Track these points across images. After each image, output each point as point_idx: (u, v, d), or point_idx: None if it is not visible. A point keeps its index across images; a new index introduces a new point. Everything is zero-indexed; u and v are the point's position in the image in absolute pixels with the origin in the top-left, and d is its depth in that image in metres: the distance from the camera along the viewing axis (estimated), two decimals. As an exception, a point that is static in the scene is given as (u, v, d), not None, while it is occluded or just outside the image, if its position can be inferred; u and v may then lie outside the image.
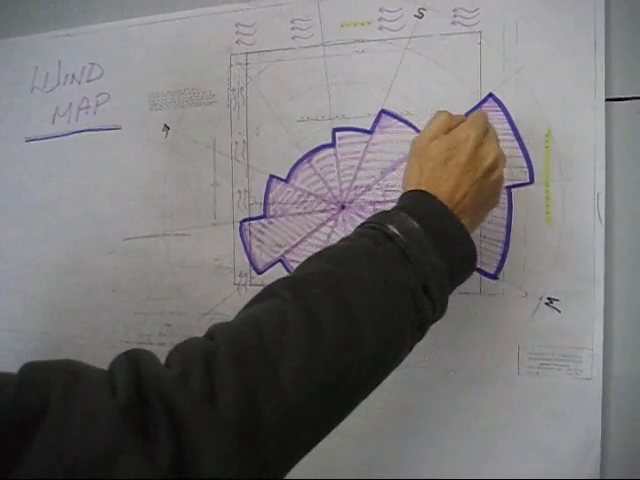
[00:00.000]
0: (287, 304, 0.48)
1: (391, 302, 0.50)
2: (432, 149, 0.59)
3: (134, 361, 0.44)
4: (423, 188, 0.57)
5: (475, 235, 0.71)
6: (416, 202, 0.56)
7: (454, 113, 0.62)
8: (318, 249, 0.77)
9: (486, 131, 0.60)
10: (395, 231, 0.53)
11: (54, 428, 0.38)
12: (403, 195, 0.59)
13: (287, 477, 0.81)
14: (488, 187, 0.59)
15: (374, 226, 0.55)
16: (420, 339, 0.54)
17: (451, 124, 0.60)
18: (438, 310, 0.54)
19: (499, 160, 0.59)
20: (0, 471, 0.37)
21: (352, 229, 0.74)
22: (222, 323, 0.49)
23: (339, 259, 0.52)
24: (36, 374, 0.42)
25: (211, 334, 0.47)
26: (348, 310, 0.48)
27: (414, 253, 0.52)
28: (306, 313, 0.47)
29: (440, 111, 0.62)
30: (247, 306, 0.52)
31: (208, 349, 0.45)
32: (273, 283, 0.51)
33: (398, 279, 0.51)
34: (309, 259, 0.54)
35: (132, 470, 0.38)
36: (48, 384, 0.40)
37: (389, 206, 0.73)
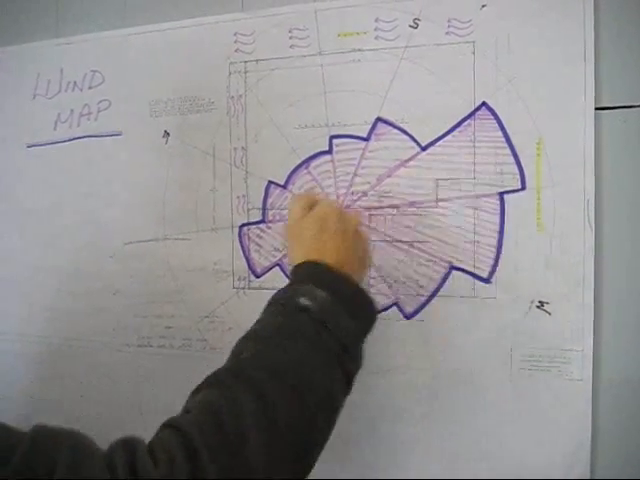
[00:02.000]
0: (235, 390, 0.50)
1: (322, 369, 0.54)
2: (304, 226, 0.64)
3: (130, 451, 0.45)
4: (311, 259, 0.60)
5: (468, 240, 0.73)
6: (313, 271, 0.59)
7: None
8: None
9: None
10: (307, 303, 0.56)
11: None
12: (296, 268, 0.62)
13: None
14: (360, 244, 0.65)
15: (285, 302, 0.58)
16: (349, 392, 0.58)
17: (308, 204, 0.66)
18: (359, 363, 0.58)
19: (359, 223, 0.67)
20: None
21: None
22: (180, 416, 0.51)
23: (265, 341, 0.55)
24: (46, 439, 0.44)
25: (173, 425, 0.49)
26: (287, 382, 0.51)
27: (329, 320, 0.55)
28: (254, 394, 0.50)
29: (295, 194, 0.73)
30: (194, 393, 0.54)
31: (183, 442, 0.46)
32: (215, 372, 0.54)
33: (320, 346, 0.55)
34: (237, 344, 0.57)
35: None
36: (56, 452, 0.43)
37: (385, 212, 0.75)
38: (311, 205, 0.66)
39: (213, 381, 0.53)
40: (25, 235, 0.98)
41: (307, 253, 0.61)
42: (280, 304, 0.58)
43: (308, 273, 0.60)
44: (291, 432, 0.49)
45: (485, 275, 0.73)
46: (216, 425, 0.48)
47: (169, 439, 0.47)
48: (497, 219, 0.73)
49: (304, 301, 0.56)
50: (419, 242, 0.76)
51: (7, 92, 0.98)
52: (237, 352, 0.56)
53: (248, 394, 0.50)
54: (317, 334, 0.55)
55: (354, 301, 0.58)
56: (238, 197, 0.84)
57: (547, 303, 0.71)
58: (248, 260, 0.84)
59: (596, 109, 0.69)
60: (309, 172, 0.81)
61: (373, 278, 0.78)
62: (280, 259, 0.82)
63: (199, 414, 0.50)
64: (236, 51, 0.84)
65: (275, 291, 0.60)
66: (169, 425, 0.49)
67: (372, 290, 0.78)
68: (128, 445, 0.47)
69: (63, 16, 0.96)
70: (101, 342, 0.93)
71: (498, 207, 0.73)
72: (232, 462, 0.46)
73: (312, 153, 0.81)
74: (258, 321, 0.59)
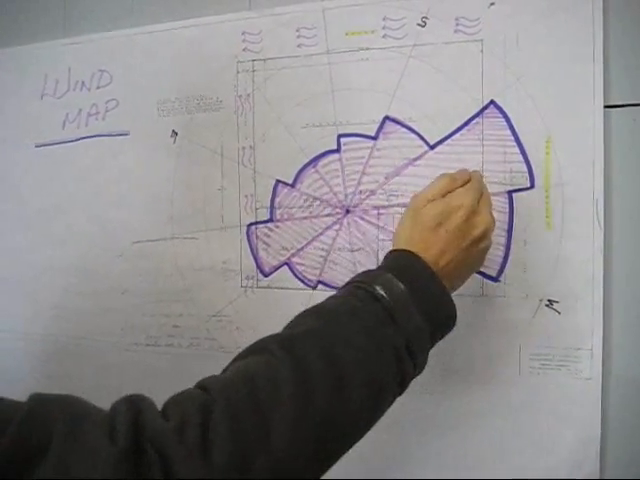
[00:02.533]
0: (279, 361, 0.49)
1: (376, 360, 0.52)
2: (426, 212, 0.60)
3: (135, 410, 0.45)
4: (411, 249, 0.58)
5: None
6: (403, 263, 0.58)
7: (456, 171, 0.64)
8: (324, 252, 0.79)
9: (480, 197, 0.61)
10: (382, 292, 0.54)
11: (54, 465, 0.40)
12: (391, 252, 0.60)
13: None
14: (474, 255, 0.61)
15: (360, 286, 0.56)
16: (401, 394, 0.55)
17: (450, 188, 0.61)
18: (418, 368, 0.56)
19: (488, 231, 0.61)
20: None
21: (357, 233, 0.76)
22: (215, 376, 0.50)
23: (328, 317, 0.54)
24: (42, 409, 0.43)
25: (205, 386, 0.48)
26: (336, 368, 0.49)
27: (399, 315, 0.53)
28: (297, 371, 0.48)
29: (443, 174, 0.63)
30: (238, 358, 0.53)
31: (204, 403, 0.46)
32: (265, 339, 0.53)
33: (383, 339, 0.52)
34: (299, 315, 0.56)
35: None
36: (52, 421, 0.42)
37: (393, 211, 0.75)
38: (448, 190, 0.61)
39: (259, 347, 0.52)
40: (33, 234, 0.98)
41: (410, 242, 0.59)
42: (355, 287, 0.56)
43: (397, 262, 0.58)
44: (323, 419, 0.48)
45: (494, 274, 0.73)
46: (247, 392, 0.47)
47: (191, 398, 0.47)
48: (506, 218, 0.72)
49: (379, 290, 0.54)
50: (427, 241, 0.76)
51: (15, 92, 0.99)
52: (294, 324, 0.55)
53: (290, 368, 0.48)
54: (382, 325, 0.53)
55: (433, 305, 0.56)
56: (246, 196, 0.84)
57: (556, 302, 0.71)
58: (256, 259, 0.84)
59: (605, 107, 0.69)
60: (317, 171, 0.81)
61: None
62: (288, 258, 0.82)
63: (234, 377, 0.49)
64: (244, 50, 0.84)
65: (284, 290, 0.60)
66: (200, 385, 0.49)
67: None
68: (133, 404, 0.46)
69: (70, 16, 0.96)
70: (109, 341, 0.93)
71: (507, 206, 0.72)
72: (251, 434, 0.45)
73: (320, 152, 0.81)
74: (328, 298, 0.57)
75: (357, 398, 0.50)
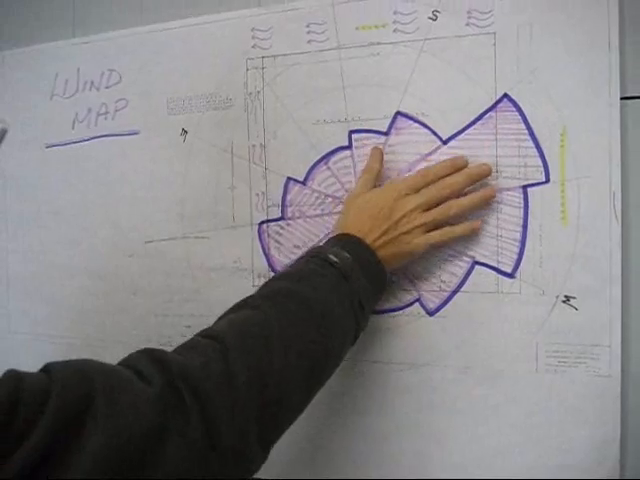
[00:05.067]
0: (265, 311, 0.60)
1: (340, 310, 0.64)
2: (354, 203, 0.74)
3: (153, 356, 0.52)
4: (346, 232, 0.70)
5: (491, 235, 0.72)
6: (344, 239, 0.69)
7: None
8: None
9: (411, 189, 0.71)
10: (335, 259, 0.66)
11: (103, 415, 0.44)
12: (333, 237, 0.71)
13: (295, 475, 0.82)
14: (396, 235, 0.70)
15: (315, 255, 0.67)
16: (354, 344, 0.68)
17: (372, 184, 0.75)
18: (366, 322, 0.69)
19: (407, 216, 0.70)
20: (59, 454, 0.42)
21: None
22: (213, 328, 0.59)
23: (296, 278, 0.65)
24: (74, 371, 0.47)
25: (209, 335, 0.57)
26: (314, 312, 0.62)
27: (350, 275, 0.65)
28: (281, 313, 0.60)
29: (364, 171, 0.76)
30: (225, 314, 0.62)
31: (218, 346, 0.54)
32: (246, 298, 0.63)
33: (342, 294, 0.65)
34: (268, 281, 0.67)
35: (172, 445, 0.46)
36: (89, 379, 0.46)
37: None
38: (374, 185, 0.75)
39: (241, 304, 0.63)
40: (45, 235, 0.98)
41: (344, 227, 0.72)
42: (311, 256, 0.68)
43: (339, 239, 0.70)
44: (309, 349, 0.59)
45: (509, 270, 0.72)
46: (245, 332, 0.57)
47: (204, 344, 0.55)
48: (521, 213, 0.71)
49: (332, 257, 0.66)
50: (441, 237, 0.75)
51: (25, 92, 0.99)
52: (266, 286, 0.65)
53: (277, 313, 0.59)
54: (339, 283, 0.64)
55: (371, 269, 0.68)
56: (257, 194, 0.84)
57: (573, 298, 0.70)
58: (268, 257, 0.84)
59: (621, 99, 0.67)
60: (329, 168, 0.80)
61: (395, 274, 0.77)
62: (300, 256, 0.82)
63: (233, 325, 0.58)
64: (253, 47, 0.83)
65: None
66: (204, 335, 0.57)
67: (394, 286, 0.77)
68: (147, 353, 0.53)
69: (80, 15, 0.96)
70: (122, 342, 0.93)
71: (522, 200, 0.71)
72: (261, 364, 0.55)
73: (331, 148, 0.80)
74: (288, 267, 0.69)
75: (332, 335, 0.62)
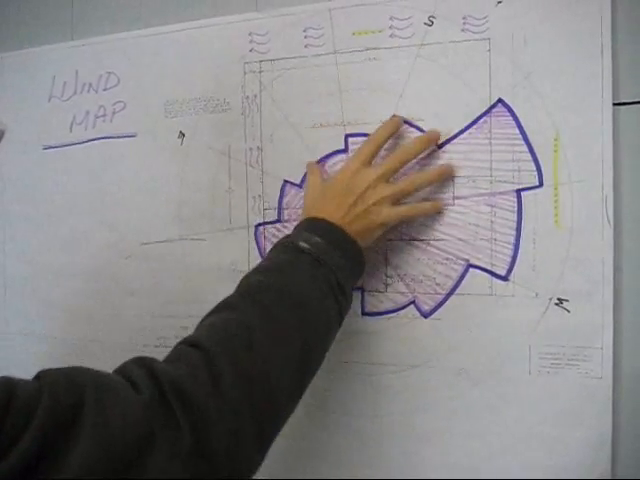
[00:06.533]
0: (242, 309, 0.61)
1: (320, 295, 0.64)
2: (312, 188, 0.77)
3: (144, 364, 0.53)
4: (312, 215, 0.70)
5: (486, 238, 0.73)
6: (312, 224, 0.69)
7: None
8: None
9: (366, 160, 0.72)
10: (305, 245, 0.66)
11: (92, 423, 0.45)
12: (300, 224, 0.71)
13: (293, 475, 0.82)
14: (365, 208, 0.70)
15: (286, 244, 0.68)
16: (341, 323, 0.68)
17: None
18: (348, 300, 0.68)
19: (372, 187, 0.70)
20: (46, 460, 0.42)
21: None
22: (195, 335, 0.60)
23: (272, 270, 0.66)
24: (65, 379, 0.48)
25: (192, 343, 0.57)
26: (292, 303, 0.62)
27: (323, 258, 0.65)
28: (261, 310, 0.60)
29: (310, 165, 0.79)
30: (206, 318, 0.63)
31: (202, 354, 0.55)
32: (225, 299, 0.63)
33: (318, 279, 0.65)
34: (244, 278, 0.67)
35: (160, 453, 0.47)
36: (79, 386, 0.47)
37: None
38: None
39: (221, 306, 0.63)
40: (43, 236, 0.99)
41: (311, 210, 0.72)
42: (282, 246, 0.68)
43: (306, 224, 0.70)
44: (293, 338, 0.60)
45: (503, 273, 0.73)
46: (227, 336, 0.57)
47: (188, 353, 0.56)
48: (514, 216, 0.72)
49: (303, 244, 0.66)
50: (436, 240, 0.76)
51: (23, 94, 0.99)
52: (242, 284, 0.66)
53: (255, 310, 0.60)
54: (313, 268, 0.65)
55: (344, 246, 0.68)
56: (254, 197, 0.84)
57: (566, 300, 0.70)
58: (264, 260, 0.84)
59: (614, 104, 0.68)
60: (325, 171, 0.81)
61: (390, 277, 0.78)
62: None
63: (214, 330, 0.59)
64: (251, 51, 0.84)
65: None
66: (187, 343, 0.58)
67: (389, 289, 0.78)
68: (140, 361, 0.54)
69: (78, 18, 0.97)
70: (119, 343, 0.93)
71: (515, 204, 0.72)
72: (242, 364, 0.55)
73: (328, 152, 0.81)
74: (262, 260, 0.70)
75: (313, 323, 0.63)
